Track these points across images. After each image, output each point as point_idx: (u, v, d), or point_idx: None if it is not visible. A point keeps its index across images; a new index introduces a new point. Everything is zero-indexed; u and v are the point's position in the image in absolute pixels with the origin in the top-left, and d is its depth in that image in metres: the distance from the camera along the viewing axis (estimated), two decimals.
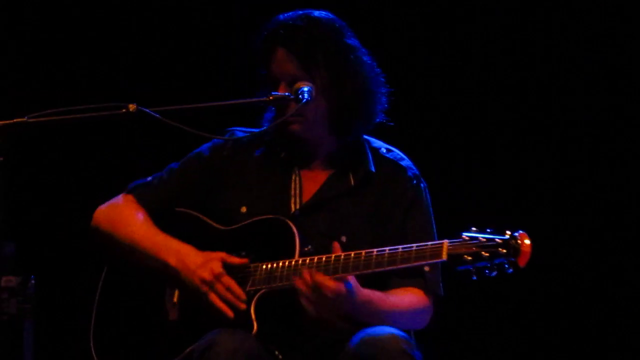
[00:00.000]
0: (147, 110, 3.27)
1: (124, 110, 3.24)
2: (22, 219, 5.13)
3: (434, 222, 3.74)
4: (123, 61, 5.41)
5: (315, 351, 3.57)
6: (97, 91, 5.30)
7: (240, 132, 3.81)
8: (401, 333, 3.43)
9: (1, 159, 3.05)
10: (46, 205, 5.38)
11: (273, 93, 3.64)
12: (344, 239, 3.64)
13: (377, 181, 3.72)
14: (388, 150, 3.79)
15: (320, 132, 3.71)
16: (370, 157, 3.74)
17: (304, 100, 3.58)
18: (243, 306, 3.51)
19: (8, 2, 5.34)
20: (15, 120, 3.13)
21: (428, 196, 3.77)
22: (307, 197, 3.72)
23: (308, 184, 3.73)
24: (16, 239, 3.95)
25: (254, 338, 3.45)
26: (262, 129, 3.75)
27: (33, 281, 4.13)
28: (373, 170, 3.72)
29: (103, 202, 3.84)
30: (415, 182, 3.74)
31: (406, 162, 3.78)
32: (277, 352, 3.51)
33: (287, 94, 3.61)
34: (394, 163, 3.76)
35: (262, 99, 3.62)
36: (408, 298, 3.61)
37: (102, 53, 5.41)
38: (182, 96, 3.79)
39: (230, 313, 3.51)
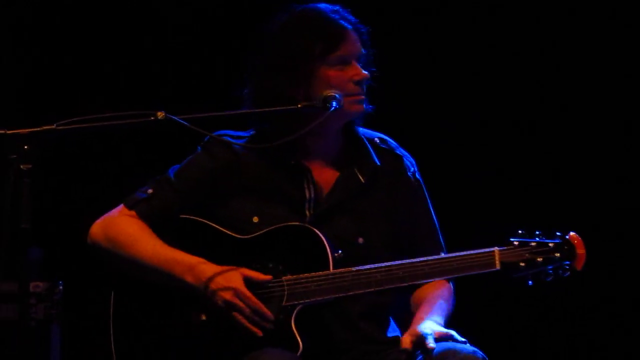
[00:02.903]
0: (176, 118, 3.28)
1: (152, 118, 3.25)
2: (49, 224, 5.15)
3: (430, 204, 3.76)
4: (147, 69, 5.43)
5: None
6: (122, 98, 5.33)
7: (228, 136, 3.70)
8: (481, 353, 3.36)
9: (30, 165, 3.05)
10: (74, 211, 5.39)
11: (361, 76, 3.63)
12: (360, 240, 3.62)
13: (383, 175, 3.71)
14: (382, 140, 3.77)
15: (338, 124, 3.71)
16: (372, 151, 3.72)
17: (332, 108, 3.55)
18: (269, 326, 3.44)
19: (36, 11, 5.37)
20: (44, 127, 3.13)
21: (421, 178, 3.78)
22: (320, 200, 3.66)
23: (320, 187, 3.68)
24: (44, 244, 3.96)
25: (299, 358, 3.41)
26: (279, 138, 3.58)
27: (61, 287, 4.14)
28: (379, 164, 3.70)
29: None
30: (412, 169, 3.75)
31: (400, 150, 3.79)
32: None
33: (315, 102, 3.58)
34: (392, 153, 3.76)
35: (290, 107, 3.58)
36: (439, 293, 3.57)
37: (128, 60, 5.43)
38: (205, 104, 3.78)
39: (259, 333, 3.44)
